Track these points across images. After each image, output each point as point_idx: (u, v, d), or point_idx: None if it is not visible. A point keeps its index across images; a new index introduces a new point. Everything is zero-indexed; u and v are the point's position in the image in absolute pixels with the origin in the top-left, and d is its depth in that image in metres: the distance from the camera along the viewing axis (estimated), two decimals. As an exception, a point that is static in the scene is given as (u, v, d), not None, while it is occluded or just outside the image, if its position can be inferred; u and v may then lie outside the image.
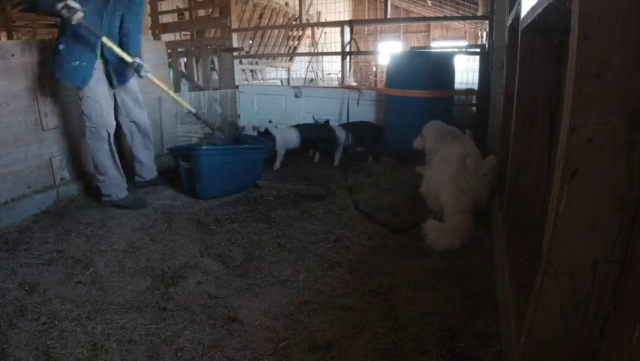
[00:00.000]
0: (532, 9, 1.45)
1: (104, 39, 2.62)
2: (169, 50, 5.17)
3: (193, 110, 3.24)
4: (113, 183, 2.83)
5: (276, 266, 2.09)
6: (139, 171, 3.23)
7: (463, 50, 6.02)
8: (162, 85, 3.01)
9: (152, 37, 5.32)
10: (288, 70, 9.00)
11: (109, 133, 2.79)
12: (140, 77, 2.82)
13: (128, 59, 2.72)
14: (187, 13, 6.61)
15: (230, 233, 2.46)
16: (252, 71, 7.60)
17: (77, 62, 2.60)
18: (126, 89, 2.95)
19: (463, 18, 10.99)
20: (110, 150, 2.82)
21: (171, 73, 5.20)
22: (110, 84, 2.84)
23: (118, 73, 2.83)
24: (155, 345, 1.51)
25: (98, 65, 2.71)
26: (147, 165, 3.23)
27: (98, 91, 2.71)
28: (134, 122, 3.05)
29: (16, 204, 2.62)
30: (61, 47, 2.58)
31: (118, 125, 2.95)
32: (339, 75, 5.41)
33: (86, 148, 2.94)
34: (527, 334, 1.04)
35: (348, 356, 1.43)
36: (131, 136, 3.10)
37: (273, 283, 1.94)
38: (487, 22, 4.63)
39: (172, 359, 1.45)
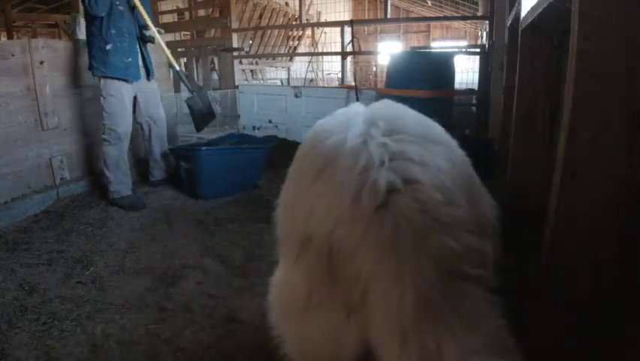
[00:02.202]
0: (532, 9, 1.45)
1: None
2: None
3: (177, 68, 3.26)
4: (122, 180, 2.87)
5: (276, 266, 2.08)
6: (152, 169, 3.27)
7: (463, 50, 6.01)
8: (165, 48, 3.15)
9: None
10: (288, 70, 8.97)
11: (125, 133, 2.84)
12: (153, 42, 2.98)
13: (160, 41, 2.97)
14: (187, 13, 6.62)
15: (230, 233, 2.46)
16: (252, 71, 7.59)
17: (130, 59, 2.74)
18: (151, 86, 3.03)
19: (463, 18, 10.95)
20: (123, 149, 2.87)
21: (171, 73, 5.21)
22: (147, 77, 2.96)
23: (151, 68, 2.97)
24: (155, 345, 1.51)
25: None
26: (160, 163, 3.28)
27: (122, 90, 2.76)
28: (153, 120, 3.10)
29: (16, 204, 2.62)
30: (108, 47, 2.64)
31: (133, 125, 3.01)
32: (339, 75, 5.41)
33: (97, 145, 3.02)
34: (527, 334, 1.04)
35: (348, 356, 1.43)
36: (149, 133, 3.14)
37: (273, 283, 1.93)
38: (487, 22, 4.62)
39: (172, 359, 1.45)
